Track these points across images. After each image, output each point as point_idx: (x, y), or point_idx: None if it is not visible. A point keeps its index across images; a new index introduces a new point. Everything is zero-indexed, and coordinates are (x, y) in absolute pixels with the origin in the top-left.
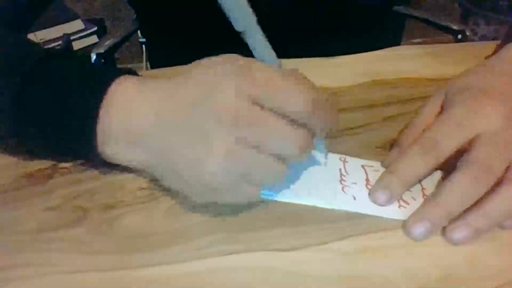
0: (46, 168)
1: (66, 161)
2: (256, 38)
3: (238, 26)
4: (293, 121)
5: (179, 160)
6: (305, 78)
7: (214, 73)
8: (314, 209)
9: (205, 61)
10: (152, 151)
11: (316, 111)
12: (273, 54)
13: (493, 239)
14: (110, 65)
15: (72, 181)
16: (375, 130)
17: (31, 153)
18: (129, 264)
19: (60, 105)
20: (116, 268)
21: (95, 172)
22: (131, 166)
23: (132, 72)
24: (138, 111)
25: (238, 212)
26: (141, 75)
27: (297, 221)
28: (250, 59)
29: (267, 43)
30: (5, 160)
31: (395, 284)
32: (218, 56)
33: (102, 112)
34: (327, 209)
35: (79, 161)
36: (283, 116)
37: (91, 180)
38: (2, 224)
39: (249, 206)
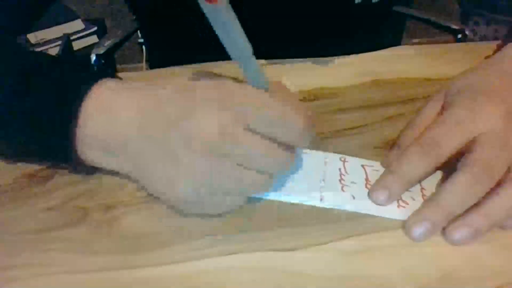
0: (46, 168)
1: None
2: (250, 67)
3: (234, 55)
4: (275, 140)
5: (154, 174)
6: (293, 96)
7: (200, 88)
8: (314, 209)
9: (195, 76)
10: (130, 160)
11: (303, 138)
12: (266, 82)
13: (493, 239)
14: (87, 68)
15: (72, 181)
16: (375, 130)
17: (16, 158)
18: (129, 264)
19: (39, 111)
20: (116, 268)
21: (96, 172)
22: (116, 171)
23: (111, 75)
24: (118, 119)
25: (238, 212)
26: (121, 78)
27: (297, 221)
28: (242, 85)
29: (262, 73)
30: (5, 160)
31: (395, 284)
32: (212, 79)
33: (80, 119)
34: (327, 209)
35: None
36: (266, 137)
37: (91, 180)
38: (2, 224)
39: (249, 206)
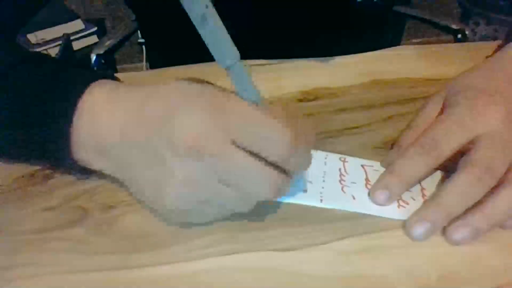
0: (46, 168)
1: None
2: (239, 74)
3: (222, 62)
4: (267, 161)
5: (140, 179)
6: (286, 115)
7: (182, 98)
8: (314, 209)
9: (182, 80)
10: (117, 165)
11: (293, 156)
12: (255, 90)
13: (493, 239)
14: (84, 69)
15: (72, 181)
16: (375, 130)
17: (9, 159)
18: (129, 264)
19: (33, 113)
20: (116, 268)
21: (92, 174)
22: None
23: (108, 75)
24: (104, 124)
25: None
26: (117, 79)
27: (297, 221)
28: (228, 93)
29: (250, 79)
30: (3, 161)
31: (395, 284)
32: (197, 83)
33: (74, 121)
34: (327, 209)
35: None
36: (257, 155)
37: (91, 180)
38: (2, 224)
39: None
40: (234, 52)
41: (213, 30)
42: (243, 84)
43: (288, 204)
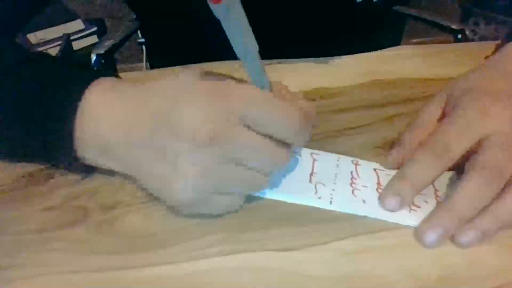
0: (46, 168)
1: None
2: (254, 66)
3: (239, 52)
4: (270, 137)
5: (147, 176)
6: (295, 95)
7: (182, 88)
8: (314, 209)
9: (182, 72)
10: (123, 163)
11: (297, 133)
12: (268, 83)
13: (493, 239)
14: (86, 69)
15: (72, 181)
16: (375, 130)
17: (16, 158)
18: (129, 264)
19: (37, 113)
20: (116, 268)
21: (95, 172)
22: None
23: (108, 74)
24: (107, 123)
25: (238, 212)
26: (118, 77)
27: (297, 221)
28: (239, 82)
29: (265, 73)
30: (5, 160)
31: (395, 284)
32: (197, 69)
33: (77, 121)
34: (327, 209)
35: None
36: (260, 133)
37: (91, 180)
38: (2, 224)
39: (249, 206)
40: (254, 43)
41: (236, 20)
42: (257, 76)
43: (288, 204)
